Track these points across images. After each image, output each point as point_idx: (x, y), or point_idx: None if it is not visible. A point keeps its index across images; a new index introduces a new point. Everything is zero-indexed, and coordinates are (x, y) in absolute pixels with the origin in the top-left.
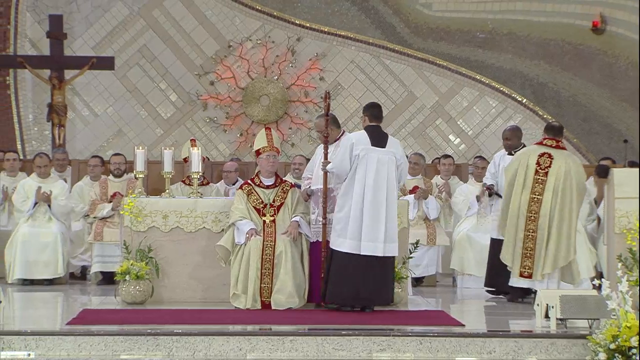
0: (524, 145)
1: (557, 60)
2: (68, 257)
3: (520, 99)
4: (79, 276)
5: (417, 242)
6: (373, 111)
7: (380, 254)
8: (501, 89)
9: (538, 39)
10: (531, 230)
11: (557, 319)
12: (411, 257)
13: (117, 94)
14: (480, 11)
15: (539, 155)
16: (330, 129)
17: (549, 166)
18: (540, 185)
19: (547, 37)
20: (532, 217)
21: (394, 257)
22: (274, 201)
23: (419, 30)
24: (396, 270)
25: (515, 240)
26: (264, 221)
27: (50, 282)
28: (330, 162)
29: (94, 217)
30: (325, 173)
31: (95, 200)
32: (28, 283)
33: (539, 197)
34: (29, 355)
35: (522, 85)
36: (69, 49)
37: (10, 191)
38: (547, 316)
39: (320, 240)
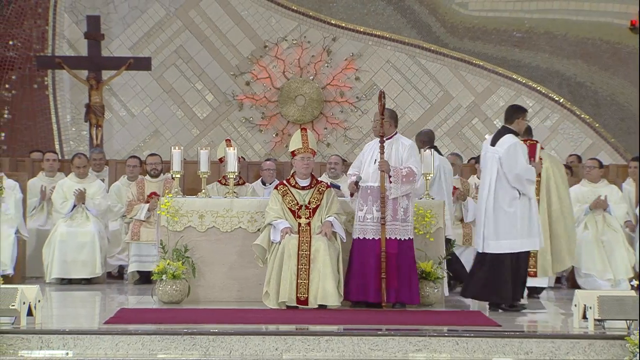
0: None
1: (594, 59)
2: (105, 257)
3: (557, 99)
4: (116, 275)
5: (453, 242)
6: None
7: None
8: (538, 88)
9: (575, 38)
10: None
11: (595, 319)
12: (448, 258)
13: (153, 94)
14: (517, 10)
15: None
16: (389, 124)
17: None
18: (536, 187)
19: (585, 36)
20: None
21: (501, 254)
22: (309, 203)
23: (455, 29)
24: (432, 270)
25: None
26: (299, 224)
27: (87, 282)
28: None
29: (131, 218)
30: (382, 172)
31: (132, 201)
32: (66, 282)
33: (537, 197)
34: (67, 354)
35: (559, 85)
36: (107, 49)
37: (49, 191)
38: (585, 317)
39: (361, 237)
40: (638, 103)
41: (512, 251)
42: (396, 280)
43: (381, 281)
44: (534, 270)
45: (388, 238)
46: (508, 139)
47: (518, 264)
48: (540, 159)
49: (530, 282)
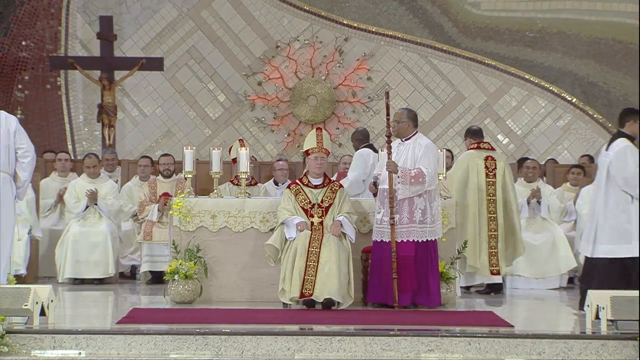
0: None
1: (607, 59)
2: (118, 257)
3: (570, 99)
4: (128, 275)
5: (465, 242)
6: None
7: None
8: (550, 88)
9: (588, 38)
10: (493, 230)
11: (607, 320)
12: (459, 258)
13: (166, 94)
14: (530, 10)
15: (484, 159)
16: (407, 125)
17: (495, 168)
18: (492, 187)
19: (598, 35)
20: (492, 217)
21: (605, 258)
22: (322, 201)
23: (467, 29)
24: (444, 270)
25: (480, 240)
26: (312, 222)
27: (100, 282)
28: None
29: (142, 219)
30: (390, 173)
31: (144, 202)
32: (78, 282)
33: (493, 197)
34: (80, 354)
35: (571, 85)
36: (119, 50)
37: (61, 192)
38: (597, 317)
39: (378, 239)
40: (638, 102)
41: (627, 256)
42: (412, 282)
43: (393, 283)
44: (497, 268)
45: (405, 240)
46: (619, 142)
47: (629, 268)
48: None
49: (490, 279)
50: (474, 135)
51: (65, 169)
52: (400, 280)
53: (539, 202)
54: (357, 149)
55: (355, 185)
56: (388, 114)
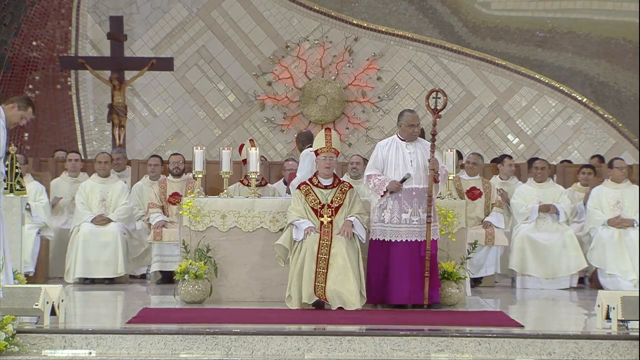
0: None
1: (618, 59)
2: (131, 259)
3: (580, 99)
4: (138, 275)
5: (475, 243)
6: None
7: None
8: (561, 88)
9: (598, 38)
10: None
11: (618, 320)
12: (469, 258)
13: (176, 94)
14: (540, 10)
15: None
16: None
17: None
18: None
19: (608, 35)
20: None
21: None
22: (332, 202)
23: (477, 29)
24: (454, 270)
25: None
26: (321, 222)
27: (110, 281)
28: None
29: (148, 222)
30: (432, 171)
31: (151, 203)
32: (89, 282)
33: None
34: (90, 353)
35: (582, 85)
36: (129, 50)
37: (54, 202)
38: (608, 317)
39: (410, 240)
40: (638, 101)
41: None
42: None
43: (425, 282)
44: None
45: (431, 239)
46: None
47: None
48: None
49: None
50: None
51: (75, 169)
52: (432, 278)
53: (557, 213)
54: (301, 150)
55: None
56: (439, 115)
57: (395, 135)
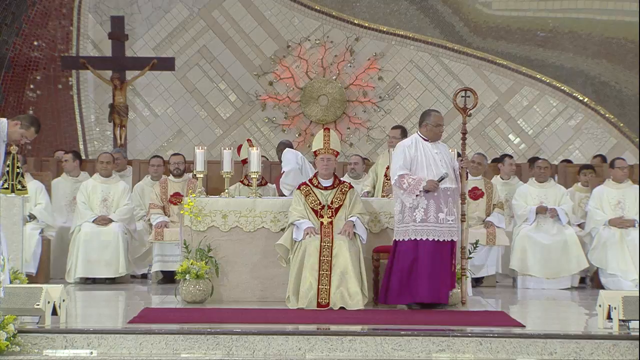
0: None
1: (619, 58)
2: (132, 258)
3: (581, 98)
4: (139, 275)
5: (476, 242)
6: None
7: None
8: (562, 88)
9: (600, 38)
10: None
11: (619, 320)
12: (470, 258)
13: (177, 94)
14: (541, 10)
15: None
16: None
17: None
18: None
19: (609, 35)
20: None
21: None
22: (332, 203)
23: (478, 29)
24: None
25: None
26: (322, 222)
27: (111, 281)
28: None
29: (149, 222)
30: (463, 169)
31: (152, 204)
32: (90, 282)
33: None
34: (91, 353)
35: (583, 84)
36: (130, 50)
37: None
38: (609, 317)
39: (446, 239)
40: (638, 100)
41: None
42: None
43: (463, 280)
44: None
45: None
46: None
47: None
48: None
49: None
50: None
51: (73, 169)
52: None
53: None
54: (280, 158)
55: (293, 174)
56: (467, 112)
57: (416, 135)
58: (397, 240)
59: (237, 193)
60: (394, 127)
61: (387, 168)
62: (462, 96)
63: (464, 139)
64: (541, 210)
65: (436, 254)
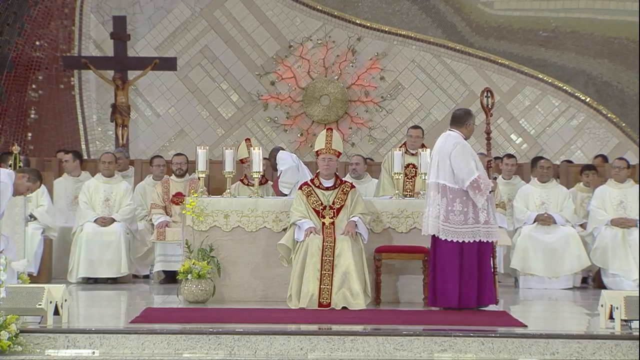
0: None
1: (621, 58)
2: (134, 258)
3: (583, 98)
4: (141, 275)
5: None
6: None
7: None
8: (564, 87)
9: (602, 38)
10: None
11: (621, 320)
12: None
13: (179, 94)
14: (543, 9)
15: None
16: None
17: None
18: None
19: (611, 35)
20: None
21: None
22: (333, 203)
23: (480, 29)
24: None
25: None
26: (323, 223)
27: (113, 281)
28: None
29: (151, 222)
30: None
31: (154, 204)
32: (92, 282)
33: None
34: (93, 353)
35: (585, 84)
36: (132, 49)
37: (72, 196)
38: (611, 317)
39: (492, 240)
40: (638, 99)
41: None
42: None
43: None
44: None
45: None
46: None
47: None
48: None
49: None
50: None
51: (73, 169)
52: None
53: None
54: (274, 167)
55: (291, 171)
56: (489, 112)
57: (457, 134)
58: (461, 242)
59: (237, 192)
60: (415, 127)
61: (409, 166)
62: (485, 96)
63: (488, 138)
64: (540, 219)
65: (489, 255)
